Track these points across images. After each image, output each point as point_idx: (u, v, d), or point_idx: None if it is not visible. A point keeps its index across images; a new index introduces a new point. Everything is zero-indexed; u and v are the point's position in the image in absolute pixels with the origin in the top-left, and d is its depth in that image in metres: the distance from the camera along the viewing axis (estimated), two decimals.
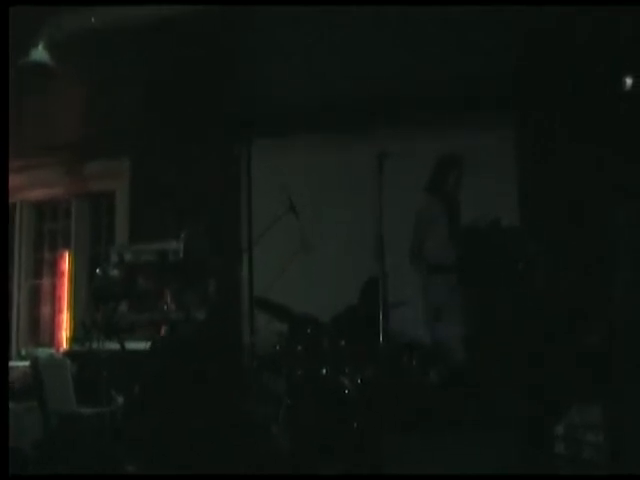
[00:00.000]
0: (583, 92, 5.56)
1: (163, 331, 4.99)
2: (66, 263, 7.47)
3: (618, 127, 5.38)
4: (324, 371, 4.53)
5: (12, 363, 5.92)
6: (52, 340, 7.33)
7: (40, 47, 4.79)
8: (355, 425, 4.24)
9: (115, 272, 5.70)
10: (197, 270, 5.03)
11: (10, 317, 7.42)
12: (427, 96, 5.97)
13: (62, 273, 7.46)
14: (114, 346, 5.10)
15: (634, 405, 3.73)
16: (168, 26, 4.83)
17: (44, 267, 7.88)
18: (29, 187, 7.59)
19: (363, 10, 4.55)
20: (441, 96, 5.96)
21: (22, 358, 6.55)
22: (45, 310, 7.68)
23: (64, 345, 7.06)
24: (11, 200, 6.86)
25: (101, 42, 5.00)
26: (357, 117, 6.25)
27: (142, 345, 5.15)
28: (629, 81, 5.22)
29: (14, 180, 4.83)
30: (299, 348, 4.80)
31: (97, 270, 5.75)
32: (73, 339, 6.66)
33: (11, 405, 4.12)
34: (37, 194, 7.79)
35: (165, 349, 4.95)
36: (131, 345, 5.15)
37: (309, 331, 4.81)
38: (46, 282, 7.78)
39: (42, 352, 6.43)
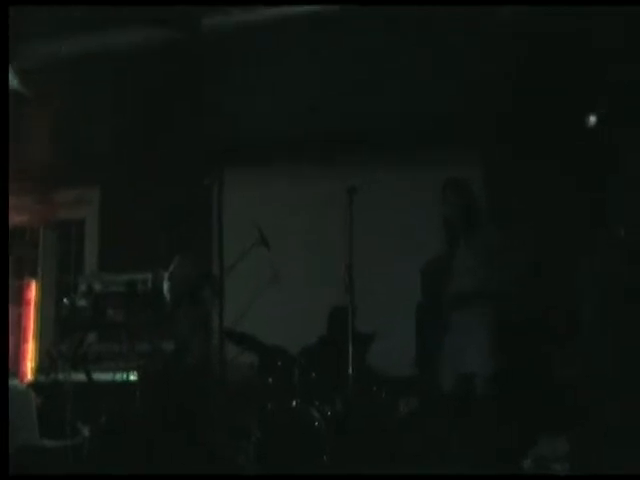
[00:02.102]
0: (549, 127, 5.68)
1: (131, 363, 4.93)
2: (33, 292, 7.35)
3: (584, 161, 5.52)
4: (294, 403, 4.51)
5: None
6: (16, 370, 7.18)
7: (10, 73, 4.77)
8: (325, 458, 4.22)
9: (83, 302, 5.64)
10: (167, 301, 4.99)
11: None
12: (397, 131, 6.06)
13: (28, 302, 7.34)
14: (80, 377, 5.03)
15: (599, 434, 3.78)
16: (140, 55, 4.85)
17: (9, 295, 7.73)
18: None
19: (336, 43, 4.64)
20: (412, 130, 6.06)
21: None
22: (10, 339, 7.53)
23: (29, 376, 6.92)
24: None
25: (73, 70, 5.00)
26: (327, 150, 6.32)
27: (109, 376, 5.08)
28: (593, 119, 5.39)
29: None
30: (270, 380, 4.78)
31: (64, 299, 5.68)
32: (38, 370, 6.54)
33: None
34: None
35: (134, 381, 4.89)
36: (99, 376, 5.08)
37: (279, 363, 4.79)
38: (11, 311, 7.63)
39: None
